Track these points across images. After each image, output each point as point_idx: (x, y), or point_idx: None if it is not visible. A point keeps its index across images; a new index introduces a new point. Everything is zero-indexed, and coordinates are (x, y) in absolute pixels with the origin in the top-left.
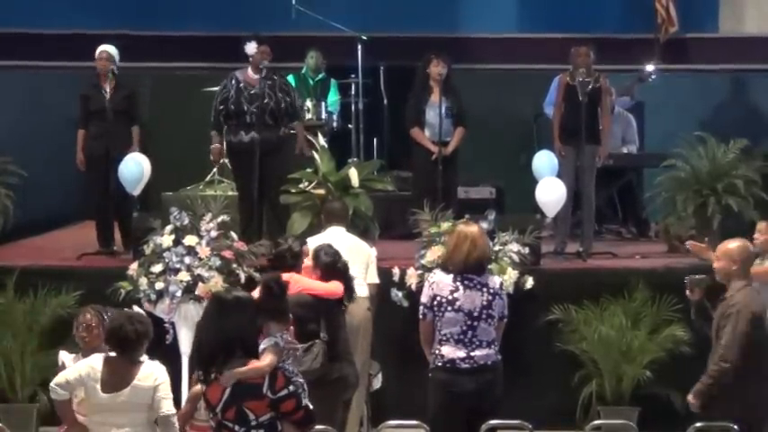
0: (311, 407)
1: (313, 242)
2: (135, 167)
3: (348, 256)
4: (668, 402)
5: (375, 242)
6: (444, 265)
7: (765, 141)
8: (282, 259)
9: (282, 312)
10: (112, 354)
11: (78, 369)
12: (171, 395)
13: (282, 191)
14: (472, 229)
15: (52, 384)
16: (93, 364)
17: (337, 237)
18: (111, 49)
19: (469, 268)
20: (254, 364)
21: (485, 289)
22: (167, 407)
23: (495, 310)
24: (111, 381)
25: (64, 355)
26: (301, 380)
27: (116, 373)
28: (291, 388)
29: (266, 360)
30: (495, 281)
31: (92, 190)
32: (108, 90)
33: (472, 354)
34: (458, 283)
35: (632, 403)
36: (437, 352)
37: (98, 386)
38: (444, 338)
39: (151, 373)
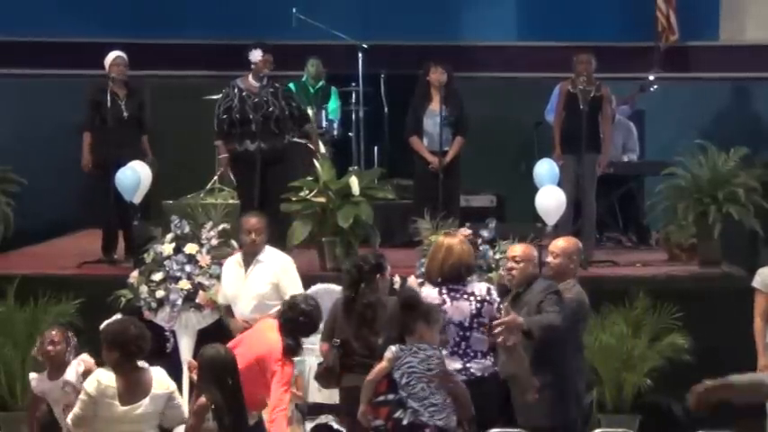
0: None
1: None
2: (132, 175)
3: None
4: (669, 410)
5: (376, 250)
6: (427, 276)
7: (766, 150)
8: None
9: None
10: (118, 365)
11: (86, 397)
12: (183, 400)
13: (283, 199)
14: (451, 238)
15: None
16: (102, 380)
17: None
18: (124, 54)
19: (446, 276)
20: None
21: (472, 297)
22: (184, 413)
23: (486, 317)
24: (128, 393)
25: (32, 376)
26: None
27: (133, 384)
28: None
29: None
30: (480, 287)
31: (99, 197)
32: (121, 96)
33: (468, 365)
34: (444, 296)
35: (633, 411)
36: None
37: (116, 401)
38: None
39: (163, 380)
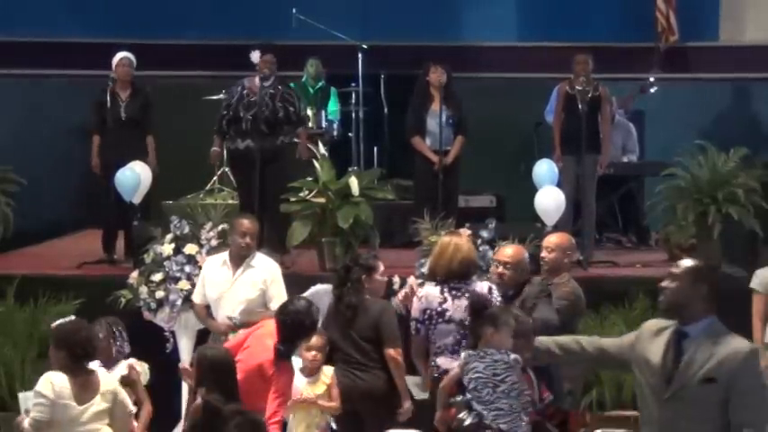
0: None
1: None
2: (131, 175)
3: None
4: None
5: (376, 250)
6: (431, 274)
7: (765, 150)
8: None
9: None
10: (65, 366)
11: (44, 400)
12: (125, 394)
13: (282, 200)
14: (457, 236)
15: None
16: (56, 382)
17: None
18: (131, 55)
19: (454, 273)
20: None
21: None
22: (130, 405)
23: None
24: (81, 393)
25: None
26: None
27: (83, 383)
28: None
29: None
30: (482, 286)
31: (100, 198)
32: (123, 98)
33: None
34: (445, 294)
35: (633, 411)
36: (433, 364)
37: (72, 402)
38: (439, 350)
39: (107, 379)
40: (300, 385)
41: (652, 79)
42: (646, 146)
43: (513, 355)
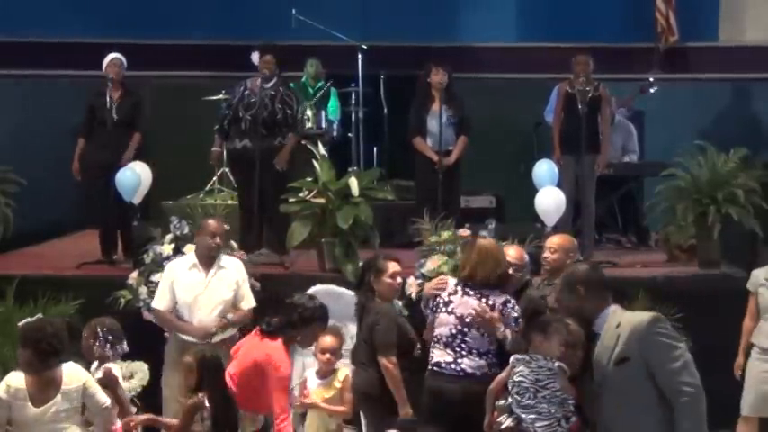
0: None
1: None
2: (131, 175)
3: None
4: None
5: (375, 251)
6: (469, 277)
7: (765, 150)
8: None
9: None
10: (30, 364)
11: None
12: (99, 388)
13: (282, 200)
14: (491, 245)
15: None
16: (12, 383)
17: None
18: (121, 56)
19: (489, 284)
20: None
21: (484, 300)
22: (103, 399)
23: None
24: (40, 393)
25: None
26: None
27: (44, 383)
28: None
29: None
30: (499, 297)
31: (96, 199)
32: (114, 98)
33: (459, 360)
34: (458, 287)
35: None
36: (430, 354)
37: (28, 403)
38: (435, 339)
39: (74, 373)
40: (312, 387)
41: (652, 79)
42: (646, 146)
43: (557, 363)
